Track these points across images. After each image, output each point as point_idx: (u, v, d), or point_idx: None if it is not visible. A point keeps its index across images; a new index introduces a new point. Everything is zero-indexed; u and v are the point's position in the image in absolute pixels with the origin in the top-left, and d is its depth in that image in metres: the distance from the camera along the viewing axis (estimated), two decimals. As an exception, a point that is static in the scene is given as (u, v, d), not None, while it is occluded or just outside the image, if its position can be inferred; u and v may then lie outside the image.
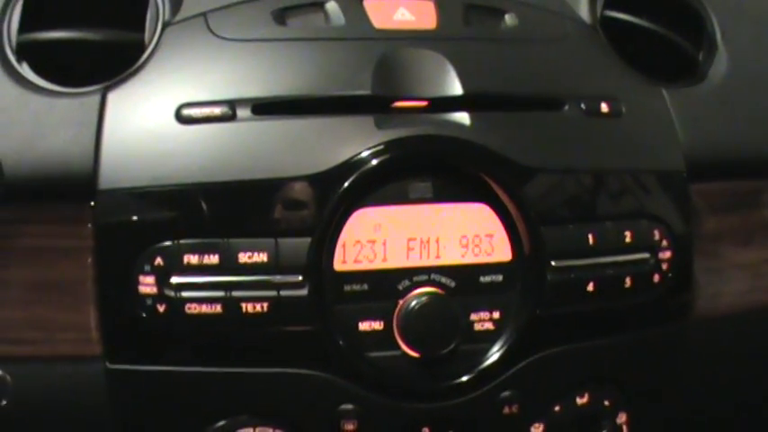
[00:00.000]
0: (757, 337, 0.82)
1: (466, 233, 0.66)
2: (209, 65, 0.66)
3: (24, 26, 0.68)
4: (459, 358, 0.66)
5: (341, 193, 0.63)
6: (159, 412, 0.66)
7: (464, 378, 0.67)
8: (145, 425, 0.67)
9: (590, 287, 0.68)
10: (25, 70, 0.67)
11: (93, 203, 0.63)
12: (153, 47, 0.67)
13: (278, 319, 0.63)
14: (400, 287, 0.65)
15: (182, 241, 0.62)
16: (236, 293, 0.62)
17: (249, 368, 0.65)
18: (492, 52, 0.71)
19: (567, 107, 0.70)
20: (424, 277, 0.66)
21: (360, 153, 0.64)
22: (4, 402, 0.65)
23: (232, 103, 0.64)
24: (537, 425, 0.71)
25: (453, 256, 0.66)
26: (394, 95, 0.67)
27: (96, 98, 0.65)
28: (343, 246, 0.64)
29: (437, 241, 0.66)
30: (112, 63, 0.67)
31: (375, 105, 0.66)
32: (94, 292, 0.64)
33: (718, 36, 0.80)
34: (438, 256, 0.66)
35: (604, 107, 0.71)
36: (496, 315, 0.67)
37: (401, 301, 0.65)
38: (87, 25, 0.69)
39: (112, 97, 0.65)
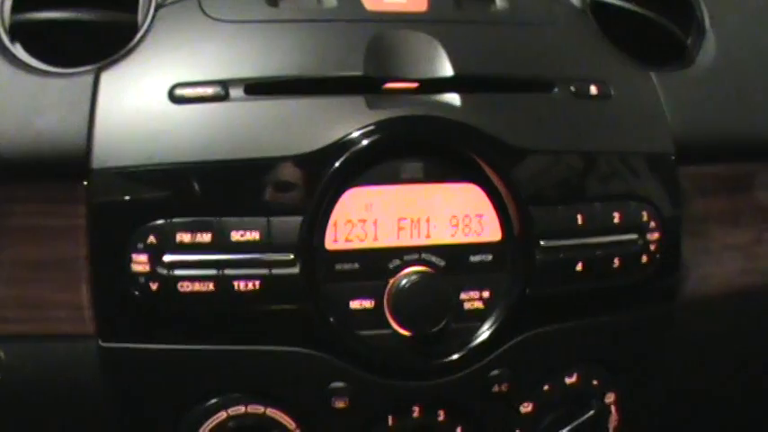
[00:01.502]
0: (745, 318, 0.82)
1: (456, 213, 0.67)
2: (202, 45, 0.67)
3: (17, 6, 0.68)
4: (450, 337, 0.67)
5: (332, 172, 0.64)
6: (152, 390, 0.67)
7: (454, 356, 0.67)
8: (137, 402, 0.67)
9: (579, 267, 0.68)
10: (18, 50, 0.67)
11: (86, 183, 0.63)
12: (146, 27, 0.68)
13: (270, 297, 0.63)
14: (391, 266, 0.66)
15: (174, 220, 0.63)
16: (228, 271, 0.63)
17: (241, 346, 0.65)
18: (482, 35, 0.72)
19: (556, 89, 0.70)
20: (415, 256, 0.66)
21: (351, 133, 0.64)
22: (-1, 378, 0.65)
23: (225, 84, 0.65)
24: (526, 404, 0.71)
25: (443, 235, 0.67)
26: (385, 76, 0.67)
27: (89, 78, 0.65)
28: (335, 225, 0.65)
29: (427, 221, 0.66)
30: (106, 43, 0.67)
31: (366, 86, 0.66)
32: (87, 270, 0.65)
33: (707, 20, 0.81)
34: (428, 236, 0.66)
35: (594, 89, 0.71)
36: (486, 294, 0.68)
37: (392, 280, 0.66)
38: (80, 5, 0.69)
39: (106, 77, 0.65)
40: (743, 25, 0.82)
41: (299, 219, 0.63)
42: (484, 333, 0.68)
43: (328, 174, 0.64)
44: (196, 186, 0.63)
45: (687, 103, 0.75)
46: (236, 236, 0.63)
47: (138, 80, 0.65)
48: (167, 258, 0.62)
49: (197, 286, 0.63)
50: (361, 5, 0.70)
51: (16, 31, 0.68)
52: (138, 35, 0.68)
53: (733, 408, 0.87)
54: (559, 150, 0.69)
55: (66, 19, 0.69)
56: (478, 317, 0.68)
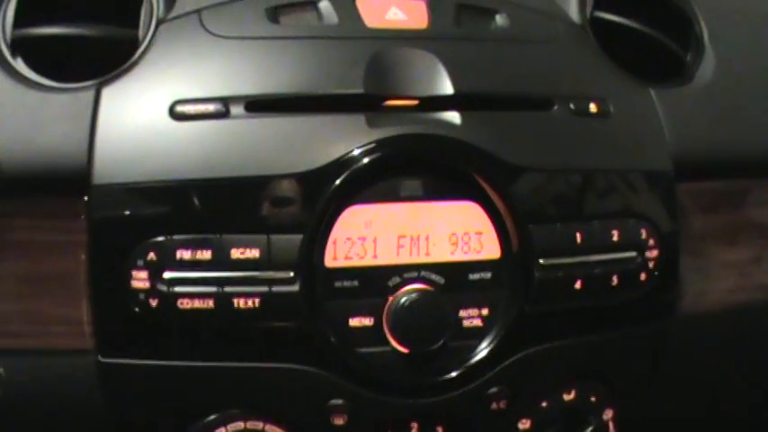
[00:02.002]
0: (742, 335, 0.83)
1: (455, 231, 0.67)
2: (203, 62, 0.67)
3: (19, 21, 0.69)
4: (448, 354, 0.67)
5: (332, 190, 0.64)
6: (151, 405, 0.67)
7: (453, 374, 0.67)
8: (136, 418, 0.67)
9: (577, 285, 0.69)
10: (20, 65, 0.67)
11: (86, 198, 0.64)
12: (147, 43, 0.68)
13: (269, 314, 0.63)
14: (390, 284, 0.66)
15: (175, 236, 0.63)
16: (228, 289, 0.63)
17: (240, 363, 0.65)
18: (482, 52, 0.72)
19: (556, 107, 0.71)
20: (414, 274, 0.66)
21: (351, 151, 0.64)
22: (-2, 394, 0.65)
23: (225, 101, 0.65)
24: (524, 420, 0.71)
25: (443, 253, 0.67)
26: (385, 94, 0.67)
27: (90, 94, 0.65)
28: (334, 242, 0.65)
29: (427, 239, 0.66)
30: (106, 59, 0.67)
31: (366, 104, 0.67)
32: (87, 285, 0.65)
33: (706, 37, 0.81)
34: (428, 254, 0.67)
35: (593, 107, 0.72)
36: (485, 312, 0.68)
37: (391, 298, 0.66)
38: (82, 21, 0.69)
39: (107, 93, 0.65)
40: (742, 42, 0.82)
41: (299, 236, 0.63)
42: (483, 351, 0.68)
43: (328, 192, 0.64)
44: (196, 203, 0.63)
45: (686, 119, 0.75)
46: (236, 253, 0.63)
47: (138, 96, 0.65)
48: (167, 275, 0.63)
49: (197, 303, 0.63)
50: (361, 23, 0.70)
51: (18, 46, 0.68)
52: (139, 51, 0.68)
53: (730, 423, 0.87)
54: (559, 168, 0.69)
55: (68, 34, 0.69)
56: (477, 334, 0.68)
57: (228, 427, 0.66)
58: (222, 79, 0.66)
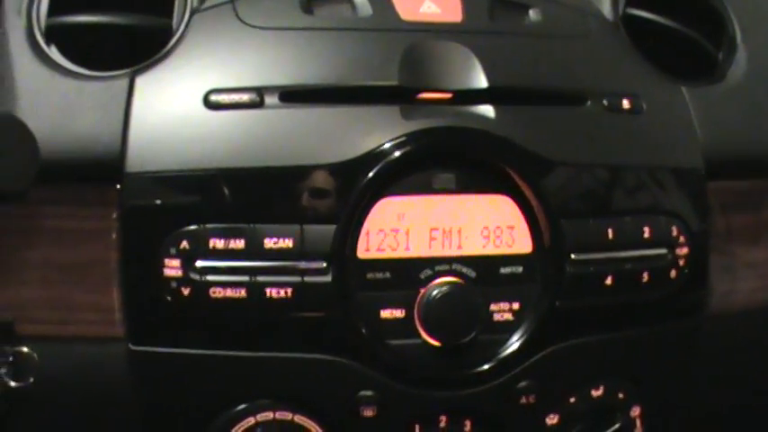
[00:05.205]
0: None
1: (487, 224, 0.67)
2: (238, 52, 0.67)
3: (53, 9, 0.69)
4: (479, 348, 0.67)
5: (366, 181, 0.64)
6: (181, 394, 0.67)
7: (483, 367, 0.67)
8: (166, 406, 0.68)
9: (608, 281, 0.69)
10: (54, 53, 0.67)
11: (119, 186, 0.64)
12: (181, 33, 0.68)
13: (301, 304, 0.64)
14: (422, 276, 0.66)
15: (208, 225, 0.63)
16: (260, 278, 0.63)
17: (271, 353, 0.66)
18: (516, 47, 0.72)
19: (589, 102, 0.71)
20: (446, 267, 0.66)
21: (385, 143, 0.65)
22: (31, 380, 0.65)
23: (260, 90, 0.65)
24: (552, 415, 0.71)
25: (475, 246, 0.67)
26: (419, 87, 0.67)
27: (124, 82, 0.65)
28: (367, 234, 0.65)
29: (459, 232, 0.67)
30: (140, 48, 0.68)
31: (400, 96, 0.67)
32: (119, 274, 0.65)
33: (738, 35, 0.81)
34: (460, 247, 0.67)
35: (626, 103, 0.72)
36: (516, 306, 0.68)
37: (423, 290, 0.66)
38: (115, 9, 0.69)
39: (140, 82, 0.65)
40: (774, 41, 0.82)
41: (331, 227, 0.63)
42: (513, 345, 0.68)
43: (362, 183, 0.64)
44: (229, 193, 0.63)
45: (717, 117, 0.75)
46: (269, 243, 0.63)
47: (172, 85, 0.66)
48: (200, 264, 0.63)
49: (229, 292, 0.63)
50: (396, 15, 0.70)
51: (52, 34, 0.68)
52: (173, 40, 0.68)
53: (756, 423, 0.87)
54: (591, 164, 0.69)
55: (102, 23, 0.69)
56: (508, 328, 0.68)
57: (258, 416, 0.66)
58: (256, 69, 0.66)
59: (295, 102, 0.65)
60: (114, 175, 0.64)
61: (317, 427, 0.67)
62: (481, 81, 0.68)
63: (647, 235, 0.70)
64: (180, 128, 0.64)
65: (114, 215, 0.64)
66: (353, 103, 0.66)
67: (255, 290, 0.63)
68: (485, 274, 0.67)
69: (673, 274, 0.71)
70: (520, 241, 0.68)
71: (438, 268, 0.66)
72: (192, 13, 0.69)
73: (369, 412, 0.66)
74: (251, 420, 0.66)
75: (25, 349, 0.66)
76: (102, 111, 0.64)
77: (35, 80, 0.65)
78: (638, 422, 0.74)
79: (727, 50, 0.81)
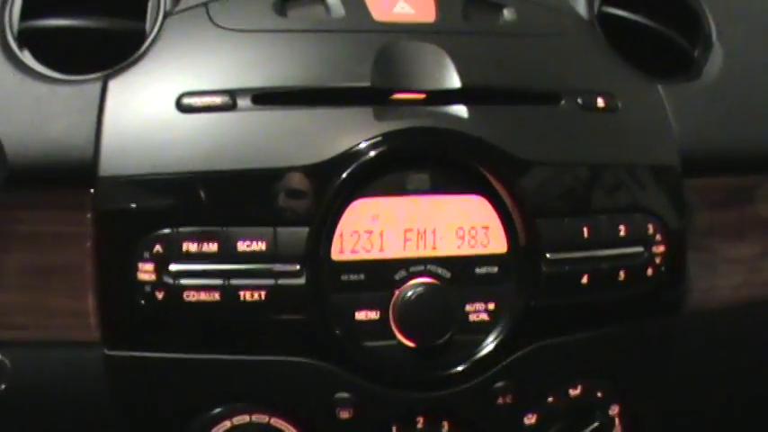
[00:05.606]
0: (749, 332, 0.82)
1: (462, 224, 0.67)
2: (210, 55, 0.67)
3: (26, 13, 0.69)
4: (455, 348, 0.67)
5: (339, 183, 0.64)
6: (156, 398, 0.67)
7: (459, 368, 0.67)
8: (142, 410, 0.67)
9: (584, 280, 0.69)
10: (26, 57, 0.67)
11: (93, 190, 0.64)
12: (154, 36, 0.68)
13: (275, 307, 0.63)
14: (397, 277, 0.66)
15: (181, 229, 0.63)
16: (234, 281, 0.63)
17: (246, 356, 0.65)
18: (490, 46, 0.72)
19: (563, 101, 0.70)
20: (421, 268, 0.66)
21: (358, 144, 0.64)
22: (3, 387, 0.65)
23: (233, 93, 0.65)
24: (530, 415, 0.71)
25: (449, 247, 0.67)
26: (393, 87, 0.67)
27: (97, 86, 0.65)
28: (341, 236, 0.65)
29: (433, 232, 0.66)
30: (113, 52, 0.67)
31: (374, 97, 0.66)
32: (93, 278, 0.65)
33: (714, 33, 0.81)
34: (434, 247, 0.66)
35: (600, 102, 0.71)
36: (491, 306, 0.68)
37: (397, 291, 0.66)
38: (88, 13, 0.69)
39: (113, 85, 0.65)
40: (750, 38, 0.82)
41: (305, 229, 0.63)
42: (489, 345, 0.68)
43: (335, 185, 0.64)
44: (203, 196, 0.63)
45: (693, 115, 0.75)
46: (242, 246, 0.63)
47: (145, 88, 0.65)
48: (173, 267, 0.63)
49: (203, 296, 0.63)
50: (369, 16, 0.70)
51: (25, 38, 0.68)
52: (146, 43, 0.68)
53: (736, 420, 0.87)
54: (566, 163, 0.69)
55: (75, 26, 0.69)
56: (484, 329, 0.68)
57: (234, 420, 0.66)
58: (229, 72, 0.66)
59: (268, 104, 0.65)
60: (87, 179, 0.63)
61: (294, 430, 0.67)
62: (455, 81, 0.68)
63: (623, 233, 0.70)
64: (153, 131, 0.64)
65: (88, 219, 0.64)
66: (327, 104, 0.66)
67: (229, 293, 0.63)
68: (460, 274, 0.67)
69: (649, 272, 0.71)
70: (495, 241, 0.67)
71: (413, 269, 0.66)
72: (165, 16, 0.69)
73: (345, 414, 0.66)
74: (227, 424, 0.66)
75: (-2, 356, 0.66)
76: (75, 114, 0.64)
77: (7, 84, 0.65)
78: (617, 421, 0.74)
79: (702, 48, 0.81)
